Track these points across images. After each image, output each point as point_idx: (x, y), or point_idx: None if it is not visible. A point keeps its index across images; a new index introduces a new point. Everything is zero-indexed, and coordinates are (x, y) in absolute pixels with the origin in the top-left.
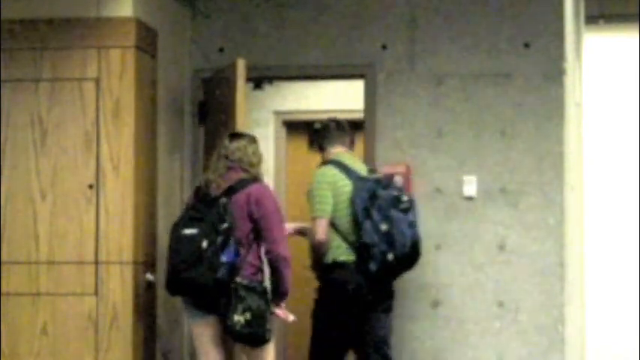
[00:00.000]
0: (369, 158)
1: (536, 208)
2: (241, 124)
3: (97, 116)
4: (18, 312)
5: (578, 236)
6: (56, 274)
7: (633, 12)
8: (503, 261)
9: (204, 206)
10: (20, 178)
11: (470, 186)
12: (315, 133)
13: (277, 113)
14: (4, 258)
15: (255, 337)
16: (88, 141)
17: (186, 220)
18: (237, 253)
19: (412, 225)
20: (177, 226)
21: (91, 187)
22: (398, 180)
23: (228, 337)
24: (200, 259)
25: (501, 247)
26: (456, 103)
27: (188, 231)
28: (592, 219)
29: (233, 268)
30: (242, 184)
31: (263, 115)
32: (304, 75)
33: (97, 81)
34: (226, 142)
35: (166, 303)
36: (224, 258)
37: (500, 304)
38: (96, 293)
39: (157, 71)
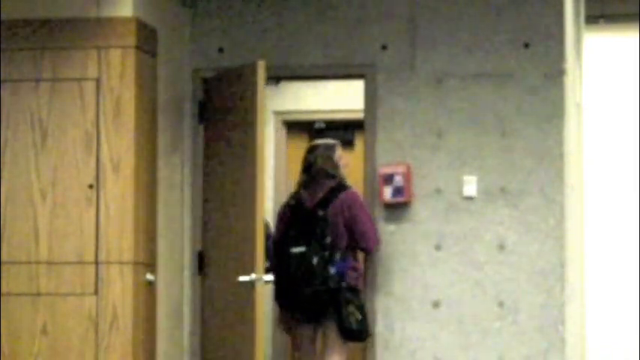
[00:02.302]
0: (369, 158)
1: (536, 208)
2: (261, 126)
3: (97, 116)
4: (18, 312)
5: (578, 236)
6: (56, 274)
7: (633, 12)
8: (503, 261)
9: (304, 221)
10: (20, 178)
11: (470, 186)
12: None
13: (277, 113)
14: (4, 258)
15: (364, 332)
16: (88, 141)
17: (291, 238)
18: (342, 262)
19: None
20: (283, 244)
21: (91, 187)
22: (398, 180)
23: (339, 336)
24: (313, 275)
25: (501, 247)
26: (456, 103)
27: (297, 249)
28: (592, 219)
29: (341, 277)
30: (334, 193)
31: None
32: (304, 75)
33: (97, 81)
34: (306, 154)
35: (166, 303)
36: (332, 270)
37: (501, 304)
38: (96, 293)
39: (157, 71)
